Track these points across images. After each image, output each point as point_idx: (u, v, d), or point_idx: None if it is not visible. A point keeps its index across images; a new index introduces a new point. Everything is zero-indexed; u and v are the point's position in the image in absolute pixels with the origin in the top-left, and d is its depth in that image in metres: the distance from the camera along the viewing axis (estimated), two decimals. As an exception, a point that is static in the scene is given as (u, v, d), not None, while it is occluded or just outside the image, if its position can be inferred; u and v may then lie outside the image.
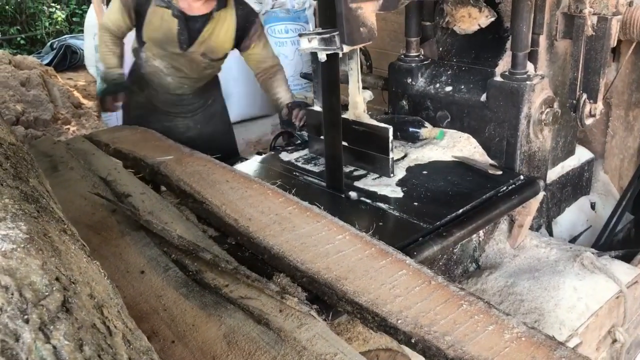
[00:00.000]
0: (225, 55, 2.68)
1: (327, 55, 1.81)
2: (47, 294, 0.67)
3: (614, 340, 2.12)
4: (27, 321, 0.62)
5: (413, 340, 1.17)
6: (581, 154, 2.60)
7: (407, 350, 1.79)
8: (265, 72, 2.68)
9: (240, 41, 2.59)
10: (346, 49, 1.75)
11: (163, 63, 2.61)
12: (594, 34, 1.96)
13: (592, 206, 2.66)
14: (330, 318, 1.51)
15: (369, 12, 1.74)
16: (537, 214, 2.35)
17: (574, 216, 2.57)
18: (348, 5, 1.69)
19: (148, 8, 2.48)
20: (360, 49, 2.79)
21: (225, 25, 2.52)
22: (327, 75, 1.86)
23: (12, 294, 0.65)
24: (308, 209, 1.67)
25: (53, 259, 0.74)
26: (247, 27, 2.57)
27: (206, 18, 2.47)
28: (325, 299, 1.38)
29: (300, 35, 1.85)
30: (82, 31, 6.77)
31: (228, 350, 1.32)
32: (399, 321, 1.22)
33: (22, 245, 0.73)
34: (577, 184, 2.59)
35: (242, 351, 1.30)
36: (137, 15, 2.52)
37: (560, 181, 2.47)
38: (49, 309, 0.65)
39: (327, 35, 1.77)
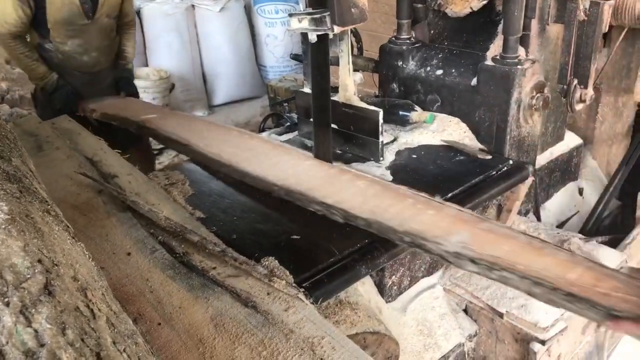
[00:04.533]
0: (119, 12, 2.82)
1: (318, 35, 1.78)
2: (28, 276, 0.66)
3: (599, 325, 2.14)
4: (7, 304, 0.61)
5: (371, 223, 1.44)
6: (570, 140, 2.59)
7: (390, 325, 1.80)
8: (124, 26, 2.90)
9: None
10: (337, 29, 1.73)
11: (75, 42, 2.67)
12: (585, 18, 1.94)
13: (580, 192, 2.67)
14: (318, 302, 1.51)
15: (360, -7, 1.71)
16: (526, 199, 2.35)
17: (562, 202, 2.58)
18: (339, -15, 1.66)
19: None
20: (351, 30, 2.76)
21: None
22: (317, 57, 1.83)
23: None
24: (281, 145, 2.03)
25: (35, 241, 0.72)
26: None
27: None
28: (299, 204, 1.60)
29: (290, 15, 1.81)
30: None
31: (215, 332, 1.31)
32: (359, 212, 1.47)
33: (3, 227, 0.71)
34: (565, 170, 2.59)
35: (229, 334, 1.30)
36: (35, 3, 2.54)
37: (549, 167, 2.47)
38: (30, 291, 0.64)
39: (318, 16, 1.74)
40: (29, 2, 2.52)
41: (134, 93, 2.96)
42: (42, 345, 0.58)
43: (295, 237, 1.70)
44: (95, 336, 0.64)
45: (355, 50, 2.83)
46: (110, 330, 0.67)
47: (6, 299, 0.61)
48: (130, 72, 3.01)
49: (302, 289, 1.42)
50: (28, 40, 2.71)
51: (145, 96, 4.57)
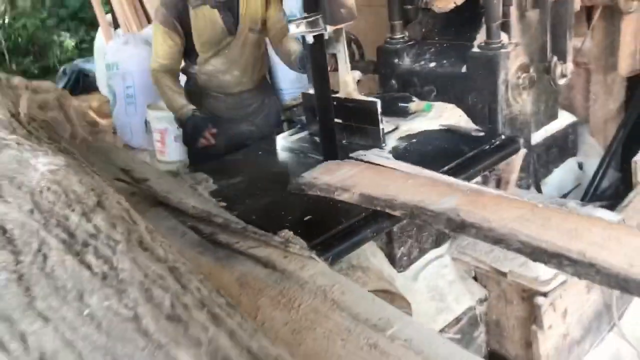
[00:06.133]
0: (264, 24, 2.76)
1: (314, 37, 2.01)
2: (85, 196, 0.87)
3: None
4: (73, 210, 0.83)
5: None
6: (564, 118, 2.76)
7: (403, 291, 1.97)
8: (279, 32, 2.78)
9: (267, 4, 2.73)
10: (329, 28, 1.96)
11: (219, 61, 2.72)
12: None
13: (580, 166, 2.82)
14: (329, 261, 1.71)
15: (347, -6, 1.94)
16: (525, 174, 2.52)
17: (562, 176, 2.73)
18: (328, -11, 1.89)
19: (188, 18, 2.61)
20: (352, 38, 3.00)
21: None
22: (314, 55, 2.06)
23: (60, 195, 0.85)
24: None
25: (88, 178, 0.95)
26: None
27: None
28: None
29: (289, 21, 2.05)
30: (92, 55, 7.07)
31: (240, 290, 1.51)
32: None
33: (64, 168, 0.93)
34: (563, 146, 2.75)
35: (253, 289, 1.49)
36: (184, 30, 2.62)
37: (545, 143, 2.64)
38: (88, 204, 0.85)
39: (312, 19, 1.97)
40: (177, 30, 2.60)
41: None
42: (100, 232, 0.79)
43: (308, 217, 1.91)
44: (138, 233, 0.85)
45: (357, 56, 3.05)
46: (148, 233, 0.88)
47: (72, 207, 0.83)
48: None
49: (314, 251, 1.62)
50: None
51: (170, 126, 4.85)
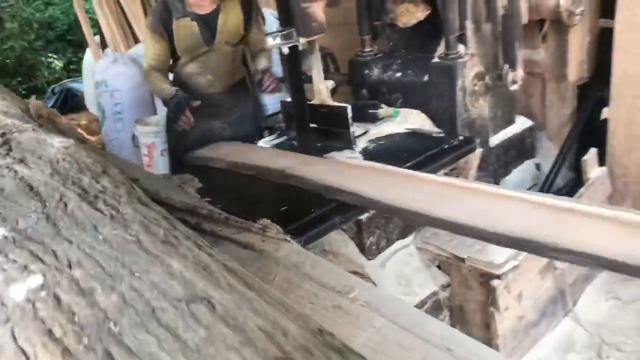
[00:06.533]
0: (242, 39, 3.03)
1: (289, 48, 2.25)
2: (93, 166, 1.08)
3: (555, 268, 2.50)
4: (84, 174, 1.03)
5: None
6: (522, 123, 3.01)
7: (371, 274, 2.18)
8: (257, 54, 3.09)
9: (246, 24, 3.00)
10: (302, 40, 2.19)
11: (195, 65, 3.02)
12: (505, 12, 2.39)
13: (538, 167, 3.06)
14: (302, 244, 1.91)
15: (318, 9, 2.18)
16: (485, 174, 2.75)
17: (520, 176, 2.97)
18: (300, 5, 2.13)
19: (171, 26, 2.91)
20: (328, 54, 3.25)
21: (233, 11, 2.94)
22: (290, 65, 2.29)
23: (73, 164, 1.06)
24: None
25: (94, 154, 1.15)
26: (250, 11, 3.00)
27: (217, 11, 2.91)
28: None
29: (267, 35, 2.28)
30: (80, 76, 7.27)
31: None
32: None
33: (74, 145, 1.14)
34: (521, 148, 3.00)
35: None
36: (168, 36, 2.93)
37: (504, 145, 2.88)
38: (95, 171, 1.06)
39: (287, 32, 2.21)
40: (162, 35, 2.91)
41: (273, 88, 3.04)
42: (107, 190, 1.00)
43: (284, 208, 2.12)
44: (136, 194, 1.06)
45: (332, 69, 3.29)
46: (144, 194, 1.09)
47: (83, 173, 1.04)
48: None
49: (289, 235, 1.82)
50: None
51: (157, 140, 5.05)
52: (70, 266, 0.77)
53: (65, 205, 0.92)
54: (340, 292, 1.56)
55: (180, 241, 0.88)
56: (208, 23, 2.91)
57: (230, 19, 2.94)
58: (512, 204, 1.84)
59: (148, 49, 3.01)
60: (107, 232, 0.86)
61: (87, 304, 0.70)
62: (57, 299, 0.71)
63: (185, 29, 2.90)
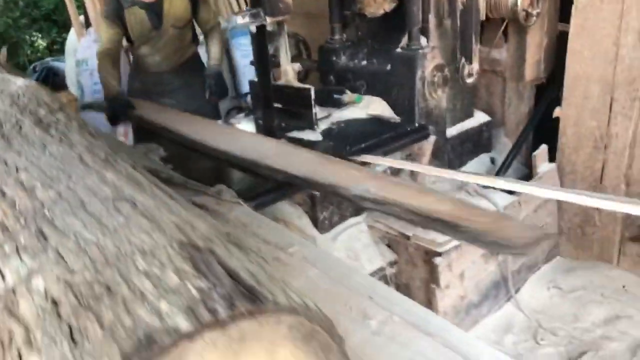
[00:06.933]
0: (189, 22, 3.33)
1: (257, 27, 2.37)
2: (51, 104, 1.19)
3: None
4: (42, 107, 1.15)
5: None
6: (480, 117, 3.16)
7: (322, 247, 2.31)
8: (208, 32, 3.38)
9: (194, 9, 3.28)
10: (269, 20, 2.32)
11: (146, 48, 3.32)
12: (463, 8, 2.54)
13: (492, 161, 3.21)
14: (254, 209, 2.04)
15: (285, -8, 2.31)
16: (440, 163, 2.89)
17: (475, 168, 3.11)
18: (269, -14, 2.26)
19: (124, 14, 3.17)
20: (301, 40, 3.37)
21: None
22: (257, 44, 2.41)
23: (33, 100, 1.17)
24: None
25: (53, 96, 1.27)
26: None
27: None
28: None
29: (235, 14, 2.41)
30: (63, 56, 7.30)
31: (176, 223, 1.83)
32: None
33: (36, 85, 1.25)
34: (477, 142, 3.14)
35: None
36: (122, 23, 3.19)
37: (460, 137, 3.02)
38: (52, 107, 1.18)
39: (255, 11, 2.33)
40: (116, 22, 3.17)
41: (220, 93, 3.37)
42: (60, 121, 1.11)
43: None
44: (87, 129, 1.17)
45: (304, 54, 3.42)
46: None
47: (41, 107, 1.15)
48: (218, 75, 3.36)
49: (242, 199, 1.95)
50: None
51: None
52: (17, 170, 0.89)
53: (20, 127, 1.04)
54: (281, 248, 1.69)
55: (118, 162, 1.00)
56: (155, 10, 3.18)
57: (175, 5, 3.20)
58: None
59: (103, 34, 3.28)
60: (54, 149, 0.97)
61: (27, 196, 0.82)
62: (2, 193, 0.83)
63: (135, 17, 3.18)
